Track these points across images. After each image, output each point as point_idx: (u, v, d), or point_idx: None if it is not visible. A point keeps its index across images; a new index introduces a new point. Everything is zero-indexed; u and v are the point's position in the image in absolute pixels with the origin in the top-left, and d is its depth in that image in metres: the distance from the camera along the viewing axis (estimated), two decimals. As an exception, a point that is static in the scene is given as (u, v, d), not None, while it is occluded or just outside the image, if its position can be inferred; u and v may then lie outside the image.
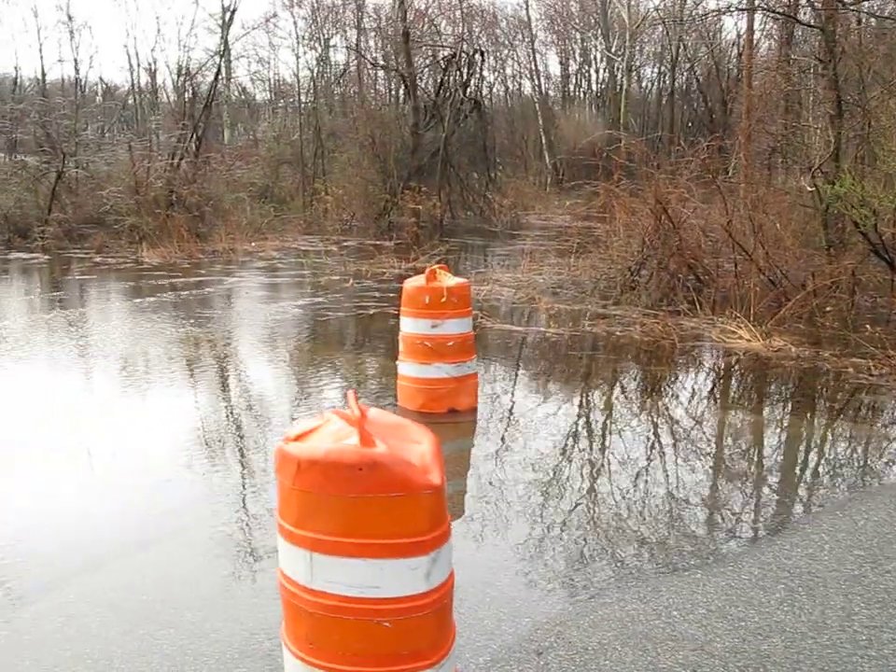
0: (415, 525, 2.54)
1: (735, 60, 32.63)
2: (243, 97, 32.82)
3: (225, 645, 3.57)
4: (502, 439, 6.33)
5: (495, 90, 36.86)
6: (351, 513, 2.50)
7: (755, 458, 6.17)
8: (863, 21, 14.21)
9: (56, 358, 9.01)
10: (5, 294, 14.09)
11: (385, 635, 2.58)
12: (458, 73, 22.51)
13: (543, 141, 33.10)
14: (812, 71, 14.32)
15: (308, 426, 2.71)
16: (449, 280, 6.44)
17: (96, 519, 4.96)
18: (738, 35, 30.63)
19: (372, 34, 27.75)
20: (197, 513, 4.98)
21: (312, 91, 28.72)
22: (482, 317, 10.14)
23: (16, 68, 32.34)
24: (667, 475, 5.64)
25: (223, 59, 25.60)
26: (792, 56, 16.56)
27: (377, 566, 2.52)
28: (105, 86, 32.31)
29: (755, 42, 20.97)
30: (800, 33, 17.68)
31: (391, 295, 11.43)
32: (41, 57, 45.83)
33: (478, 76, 24.10)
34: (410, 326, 6.53)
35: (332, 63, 31.14)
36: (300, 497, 2.56)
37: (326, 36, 31.74)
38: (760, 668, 3.37)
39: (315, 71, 30.26)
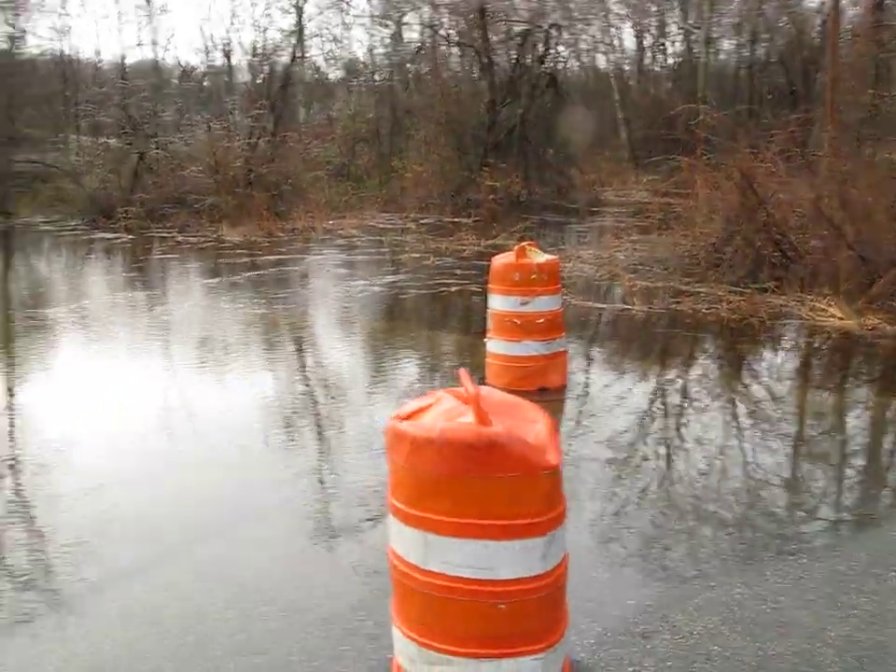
0: (532, 506, 2.49)
1: (818, 29, 31.64)
2: (317, 76, 32.90)
3: (327, 623, 3.57)
4: (592, 417, 6.23)
5: (569, 64, 36.31)
6: (467, 493, 2.45)
7: (854, 441, 5.98)
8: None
9: (136, 337, 9.15)
10: (89, 273, 14.39)
11: (499, 617, 2.54)
12: (534, 48, 22.25)
13: (620, 116, 32.57)
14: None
15: (419, 404, 2.67)
16: (539, 257, 6.35)
17: (188, 496, 5.01)
18: (822, 2, 29.68)
19: (446, 10, 27.51)
20: (285, 492, 4.99)
21: (386, 69, 28.65)
22: (565, 294, 10.01)
23: (97, 52, 32.96)
24: (764, 457, 5.48)
25: (297, 39, 25.66)
26: (883, 21, 15.96)
27: (492, 547, 2.48)
28: (182, 68, 32.68)
29: (840, 8, 20.26)
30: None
31: (472, 272, 11.37)
32: (121, 41, 46.80)
33: (553, 50, 23.75)
34: (499, 303, 6.46)
35: (406, 40, 30.98)
36: (414, 476, 2.52)
37: (399, 13, 31.59)
38: (878, 660, 3.25)
39: (389, 49, 30.16)
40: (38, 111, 26.39)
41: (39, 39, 28.17)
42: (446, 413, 2.55)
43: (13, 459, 5.63)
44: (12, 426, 6.44)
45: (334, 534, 4.49)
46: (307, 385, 7.37)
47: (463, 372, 2.66)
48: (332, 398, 6.99)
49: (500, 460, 2.42)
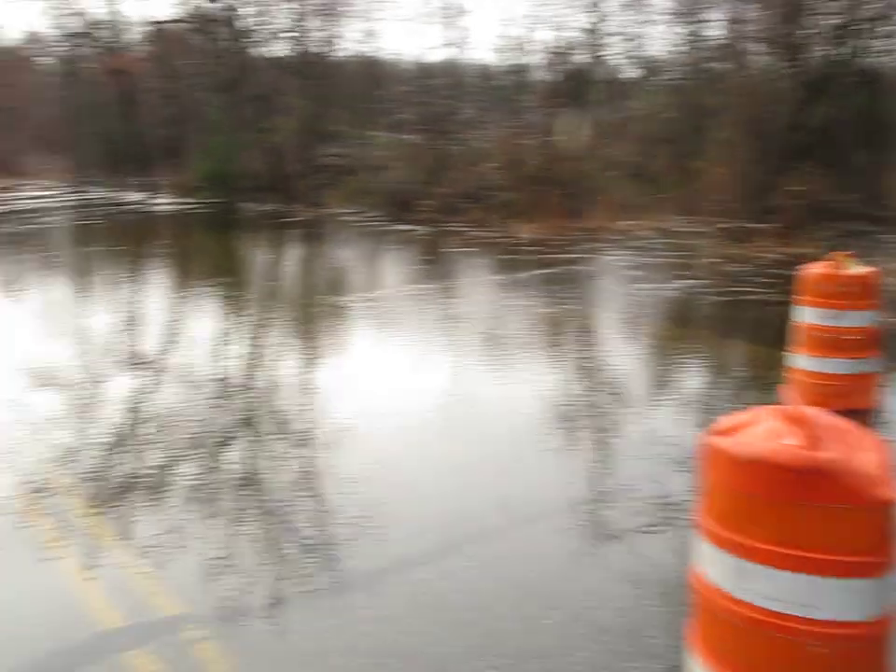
0: (861, 543, 2.26)
1: None
2: (613, 74, 32.70)
3: (610, 634, 3.48)
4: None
5: (887, 60, 33.81)
6: (788, 521, 2.27)
7: None
8: None
9: (423, 328, 9.41)
10: (384, 264, 15.06)
11: (812, 660, 2.32)
12: (849, 43, 20.84)
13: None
14: None
15: (737, 420, 2.50)
16: (855, 268, 5.89)
17: (464, 490, 5.05)
18: None
19: (752, 4, 26.39)
20: (562, 493, 4.94)
21: (685, 68, 27.93)
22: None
23: (399, 53, 34.55)
24: None
25: (595, 37, 25.61)
26: None
27: (811, 582, 2.27)
28: (480, 66, 33.55)
29: None
30: None
31: (771, 280, 10.82)
32: (422, 42, 48.92)
33: (870, 45, 22.12)
34: (807, 315, 6.04)
35: (707, 37, 30.06)
36: (732, 497, 2.36)
37: (700, 9, 30.67)
38: None
39: (689, 46, 29.38)
40: (345, 109, 27.99)
41: (349, 42, 29.78)
42: (769, 432, 2.37)
43: (305, 436, 5.96)
44: (307, 404, 6.83)
45: (611, 541, 4.40)
46: (589, 387, 7.27)
47: (789, 392, 2.46)
48: (614, 401, 6.86)
49: (828, 489, 2.22)
